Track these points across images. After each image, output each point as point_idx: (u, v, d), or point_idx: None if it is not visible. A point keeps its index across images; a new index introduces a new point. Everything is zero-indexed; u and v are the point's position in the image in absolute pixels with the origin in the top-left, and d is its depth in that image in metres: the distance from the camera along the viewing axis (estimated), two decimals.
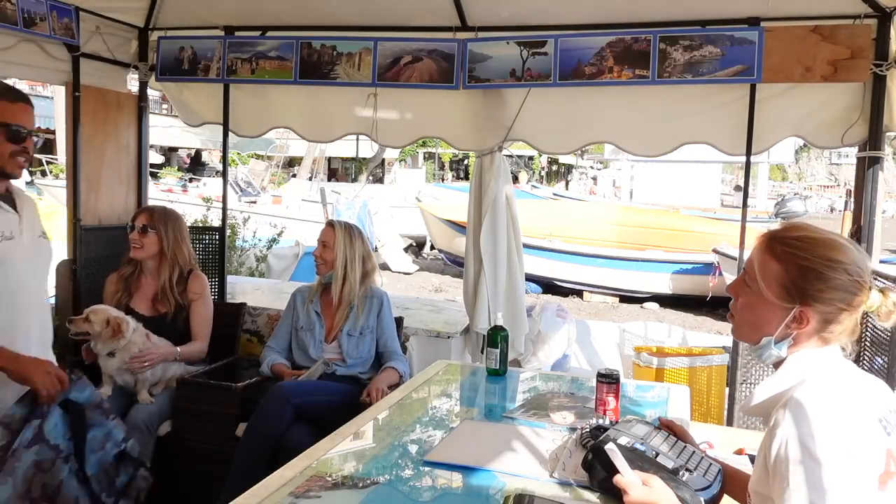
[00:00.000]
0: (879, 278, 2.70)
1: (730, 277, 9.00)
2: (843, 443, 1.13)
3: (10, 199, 2.07)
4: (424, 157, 29.44)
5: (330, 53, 3.45)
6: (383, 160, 24.00)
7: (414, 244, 13.93)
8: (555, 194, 20.08)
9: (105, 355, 2.87)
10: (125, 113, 3.72)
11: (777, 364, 1.32)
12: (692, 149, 3.75)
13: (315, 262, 3.05)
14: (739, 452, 2.07)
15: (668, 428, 1.63)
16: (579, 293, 10.77)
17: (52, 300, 3.47)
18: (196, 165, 20.09)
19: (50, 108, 15.22)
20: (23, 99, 2.02)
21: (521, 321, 3.67)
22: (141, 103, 3.80)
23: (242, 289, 4.36)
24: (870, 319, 2.81)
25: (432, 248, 13.67)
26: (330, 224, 3.10)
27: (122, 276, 3.18)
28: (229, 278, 4.06)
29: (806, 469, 1.13)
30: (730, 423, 3.19)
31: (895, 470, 1.17)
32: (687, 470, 1.44)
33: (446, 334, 3.57)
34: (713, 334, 6.70)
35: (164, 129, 15.16)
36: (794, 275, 1.27)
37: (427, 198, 15.24)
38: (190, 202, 9.86)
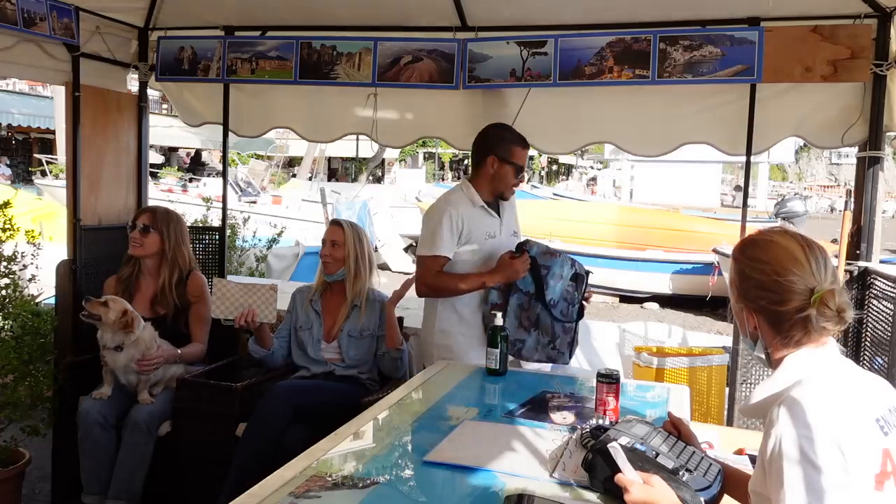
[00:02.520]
0: (882, 280, 2.71)
1: (728, 277, 9.00)
2: (838, 442, 1.13)
3: (496, 206, 2.83)
4: (424, 157, 29.44)
5: (330, 53, 3.45)
6: (383, 160, 23.99)
7: (414, 244, 13.90)
8: (555, 194, 20.07)
9: (112, 349, 2.87)
10: (125, 113, 3.72)
11: (774, 366, 1.34)
12: (692, 149, 3.75)
13: (323, 262, 3.04)
14: (740, 452, 2.07)
15: (675, 426, 1.63)
16: None
17: (52, 300, 3.47)
18: (196, 165, 20.08)
19: (50, 108, 15.22)
20: (527, 146, 2.83)
21: None
22: (141, 103, 3.80)
23: None
24: (869, 320, 2.81)
25: None
26: (336, 223, 3.09)
27: (120, 278, 3.17)
28: (229, 278, 4.05)
29: (800, 468, 1.13)
30: (730, 423, 3.18)
31: (892, 470, 1.17)
32: (687, 470, 1.44)
33: None
34: (713, 334, 6.70)
35: (164, 129, 15.13)
36: (736, 276, 1.39)
37: (427, 198, 15.23)
38: (190, 202, 9.86)
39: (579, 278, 2.79)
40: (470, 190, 2.78)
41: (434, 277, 2.69)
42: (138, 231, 3.13)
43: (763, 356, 1.36)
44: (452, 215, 2.70)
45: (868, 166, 3.00)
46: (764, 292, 1.31)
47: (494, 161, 2.74)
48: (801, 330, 1.29)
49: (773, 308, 1.30)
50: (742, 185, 8.48)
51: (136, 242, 3.12)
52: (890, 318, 2.57)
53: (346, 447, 1.81)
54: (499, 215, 2.83)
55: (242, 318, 2.90)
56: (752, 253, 1.36)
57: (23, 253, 3.21)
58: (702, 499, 1.39)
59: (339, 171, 27.94)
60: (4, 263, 3.15)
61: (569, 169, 33.60)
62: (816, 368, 1.27)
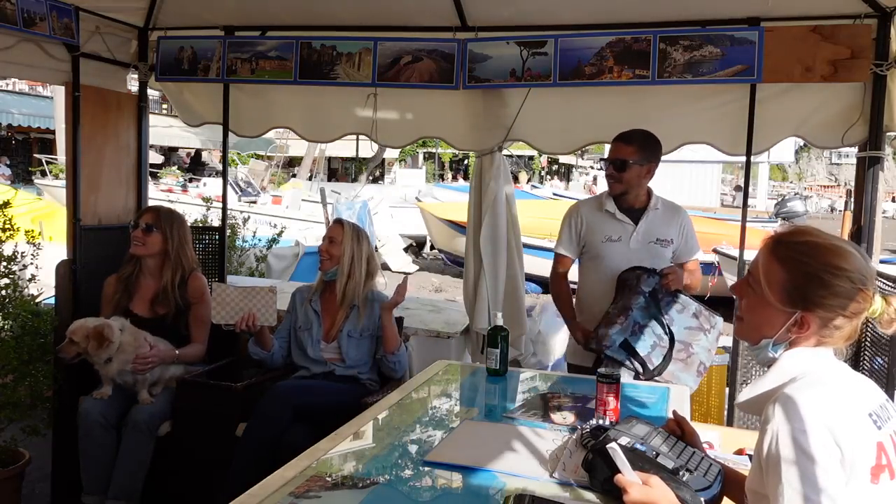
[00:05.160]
0: (882, 280, 2.71)
1: (730, 277, 8.99)
2: (834, 436, 1.14)
3: (635, 213, 2.83)
4: (424, 157, 29.41)
5: (330, 53, 3.44)
6: (383, 160, 23.99)
7: (414, 244, 13.92)
8: (555, 194, 20.06)
9: (102, 363, 2.87)
10: (125, 113, 3.72)
11: (770, 362, 1.34)
12: (692, 149, 3.75)
13: (320, 258, 3.04)
14: (740, 452, 2.07)
15: (678, 425, 1.63)
16: None
17: (52, 300, 3.47)
18: (196, 165, 20.06)
19: (50, 108, 15.20)
20: (618, 139, 2.81)
21: (521, 321, 3.67)
22: (141, 103, 3.80)
23: None
24: (869, 320, 2.81)
25: (432, 248, 13.66)
26: (338, 221, 3.10)
27: (121, 277, 3.16)
28: (229, 278, 4.05)
29: (798, 463, 1.14)
30: (730, 423, 3.19)
31: (886, 463, 1.19)
32: (687, 470, 1.44)
33: (446, 334, 3.56)
34: None
35: (164, 129, 15.13)
36: (798, 280, 1.29)
37: (427, 198, 15.22)
38: (190, 202, 9.85)
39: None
40: (603, 196, 2.91)
41: (554, 278, 2.99)
42: (141, 230, 3.11)
43: (777, 357, 1.33)
44: (573, 215, 2.93)
45: (868, 166, 2.99)
46: (846, 301, 1.26)
47: None
48: (846, 335, 1.30)
49: (848, 315, 1.28)
50: (742, 185, 8.47)
51: (139, 241, 3.11)
52: None
53: (346, 447, 1.81)
54: (635, 222, 2.83)
55: (243, 323, 2.89)
56: (829, 259, 1.27)
57: (23, 253, 3.21)
58: (702, 499, 1.39)
59: (339, 171, 27.92)
60: (4, 263, 3.15)
61: (569, 169, 33.56)
62: (811, 366, 1.28)
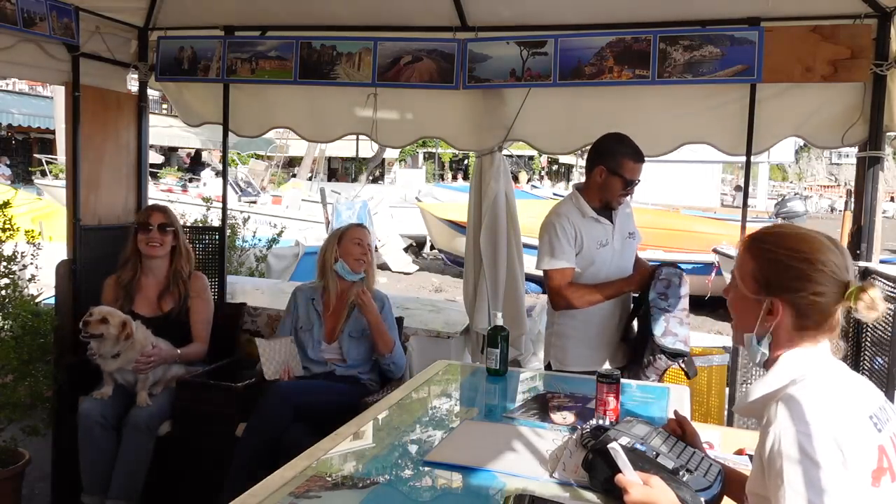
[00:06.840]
0: (882, 280, 2.71)
1: (729, 277, 9.00)
2: (836, 439, 1.14)
3: (608, 213, 2.78)
4: (424, 157, 29.40)
5: (330, 53, 3.45)
6: (383, 160, 23.98)
7: (414, 244, 13.92)
8: (555, 194, 20.07)
9: (109, 357, 2.87)
10: (125, 113, 3.72)
11: (769, 365, 1.34)
12: (692, 149, 3.75)
13: (357, 262, 3.03)
14: (740, 452, 2.07)
15: (680, 425, 1.63)
16: None
17: (52, 300, 3.47)
18: (196, 165, 20.04)
19: (50, 108, 15.20)
20: (640, 159, 2.75)
21: (521, 321, 3.67)
22: (141, 103, 3.80)
23: (242, 289, 4.35)
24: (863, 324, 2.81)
25: (432, 248, 13.66)
26: (361, 225, 3.17)
27: (120, 281, 3.17)
28: (229, 278, 4.05)
29: (800, 466, 1.14)
30: (730, 423, 3.19)
31: (888, 466, 1.18)
32: (687, 470, 1.44)
33: (446, 334, 3.56)
34: (713, 334, 6.70)
35: (164, 129, 15.11)
36: (764, 268, 1.33)
37: (427, 198, 15.23)
38: (190, 202, 9.85)
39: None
40: (579, 200, 2.78)
41: (569, 290, 2.70)
42: (157, 231, 3.13)
43: (766, 353, 1.33)
44: (565, 225, 2.72)
45: (868, 166, 3.00)
46: (809, 283, 1.27)
47: (603, 172, 2.71)
48: (823, 323, 1.30)
49: (810, 299, 1.28)
50: (742, 185, 8.48)
51: (157, 242, 3.13)
52: (890, 319, 2.57)
53: (346, 447, 1.81)
54: (611, 221, 2.80)
55: (286, 375, 2.91)
56: (791, 244, 1.31)
57: (23, 253, 3.21)
58: (702, 499, 1.39)
59: (339, 171, 27.91)
60: (4, 263, 3.16)
61: (569, 169, 33.57)
62: (811, 367, 1.28)
